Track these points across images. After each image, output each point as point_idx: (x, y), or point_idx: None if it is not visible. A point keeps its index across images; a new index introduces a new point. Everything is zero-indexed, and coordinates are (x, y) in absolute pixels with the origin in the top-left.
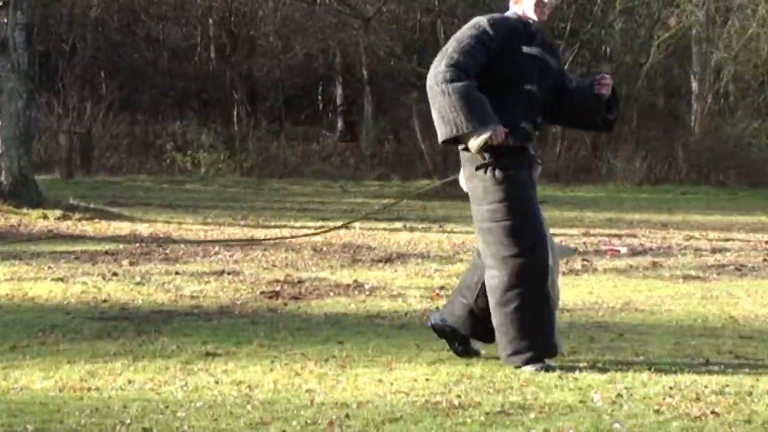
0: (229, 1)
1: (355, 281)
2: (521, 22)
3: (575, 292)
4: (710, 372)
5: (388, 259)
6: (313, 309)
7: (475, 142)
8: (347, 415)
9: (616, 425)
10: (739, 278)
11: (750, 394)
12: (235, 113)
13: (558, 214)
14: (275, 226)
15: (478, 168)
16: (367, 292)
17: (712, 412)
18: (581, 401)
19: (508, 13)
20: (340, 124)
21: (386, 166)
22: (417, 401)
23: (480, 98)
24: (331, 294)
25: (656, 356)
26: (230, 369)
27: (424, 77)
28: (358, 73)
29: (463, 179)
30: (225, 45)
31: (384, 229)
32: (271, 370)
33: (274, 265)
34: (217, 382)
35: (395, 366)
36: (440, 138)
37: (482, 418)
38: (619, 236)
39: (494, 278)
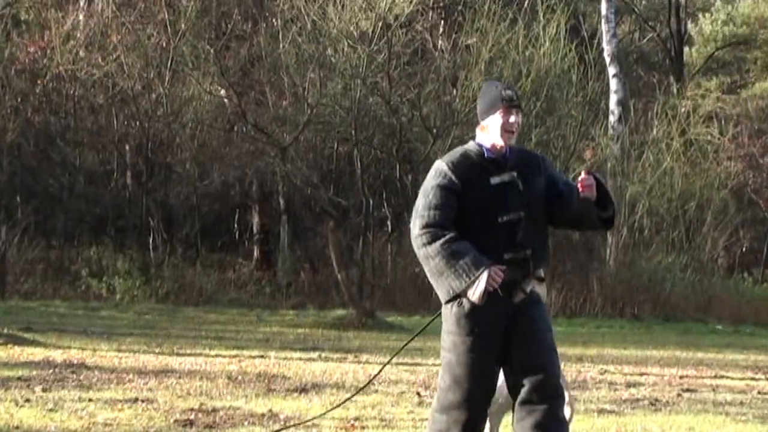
0: (146, 127)
1: (270, 411)
2: (480, 154)
3: None
4: None
5: (303, 389)
6: None
7: (474, 296)
8: None
9: None
10: (653, 413)
11: None
12: (150, 239)
13: None
14: (191, 354)
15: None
16: (282, 422)
17: None
18: None
19: (469, 145)
20: (256, 252)
21: (302, 295)
22: None
23: (461, 250)
24: (246, 423)
25: None
26: None
27: (340, 207)
28: (275, 202)
29: None
30: (141, 171)
31: (299, 358)
32: None
33: (188, 393)
34: None
35: None
36: (442, 301)
37: None
38: None
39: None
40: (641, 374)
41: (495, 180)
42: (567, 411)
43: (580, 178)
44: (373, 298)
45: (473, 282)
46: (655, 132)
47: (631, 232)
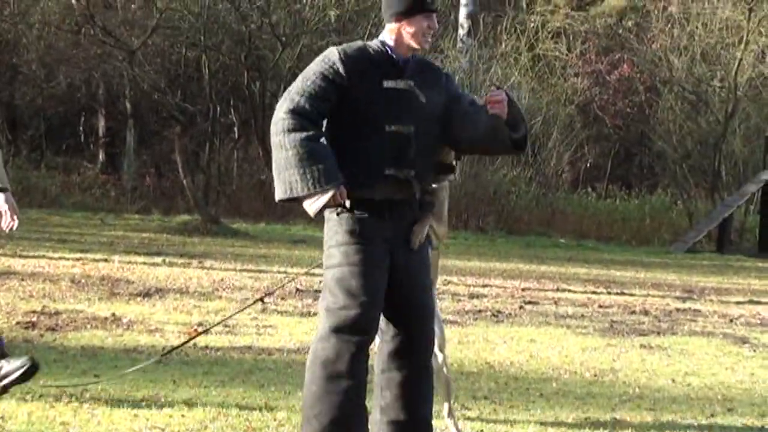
0: None
1: (113, 315)
2: (384, 52)
3: None
4: (466, 417)
5: (147, 294)
6: (69, 341)
7: (311, 207)
8: None
9: None
10: (495, 324)
11: None
12: None
13: (317, 254)
14: (33, 257)
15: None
16: (125, 326)
17: None
18: None
19: (371, 41)
20: (101, 155)
21: (147, 199)
22: None
23: (319, 153)
24: (89, 327)
25: None
26: None
27: (187, 112)
28: (122, 105)
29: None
30: None
31: (143, 263)
32: (26, 401)
33: (31, 296)
34: None
35: (151, 401)
36: (276, 196)
37: None
38: None
39: (317, 330)
40: (484, 286)
41: (388, 83)
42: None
43: (489, 94)
44: (218, 205)
45: (316, 194)
46: (503, 46)
47: None
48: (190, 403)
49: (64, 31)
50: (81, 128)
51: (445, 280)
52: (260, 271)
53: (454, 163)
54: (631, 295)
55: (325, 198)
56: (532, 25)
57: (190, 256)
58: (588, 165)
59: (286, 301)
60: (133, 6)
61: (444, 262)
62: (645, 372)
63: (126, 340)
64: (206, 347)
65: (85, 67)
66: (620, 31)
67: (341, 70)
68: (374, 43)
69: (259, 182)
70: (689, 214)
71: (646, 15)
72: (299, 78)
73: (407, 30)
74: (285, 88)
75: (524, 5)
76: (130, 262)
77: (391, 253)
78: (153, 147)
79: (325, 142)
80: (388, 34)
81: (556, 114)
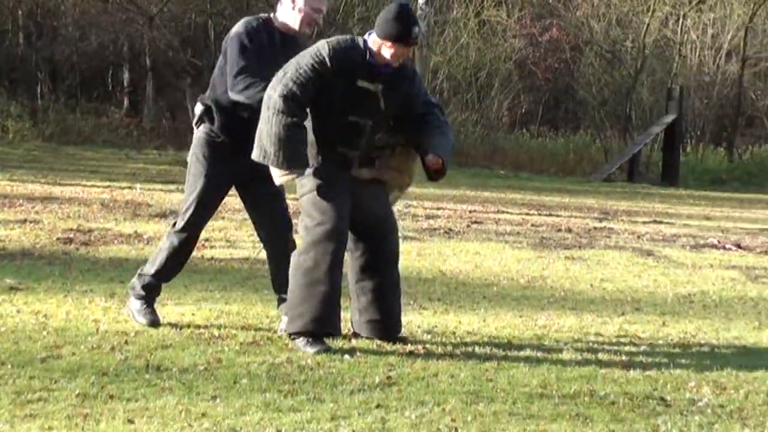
0: None
1: (136, 232)
2: (362, 55)
3: None
4: (422, 315)
5: (163, 215)
6: (100, 254)
7: (277, 179)
8: (126, 342)
9: (346, 356)
10: (447, 240)
11: (453, 333)
12: (38, 89)
13: None
14: (70, 185)
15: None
16: (146, 241)
17: (423, 347)
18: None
19: (359, 40)
20: (126, 102)
21: (163, 138)
22: (184, 332)
23: (297, 139)
24: (116, 242)
25: None
26: (30, 301)
27: (198, 67)
28: (142, 62)
29: None
30: (32, 32)
31: (160, 190)
32: (64, 303)
33: (68, 217)
34: (18, 312)
35: (167, 302)
36: (252, 155)
37: (237, 348)
38: None
39: (298, 246)
40: (438, 209)
41: (361, 84)
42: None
43: (428, 159)
44: None
45: (285, 170)
46: (454, 13)
47: (433, 93)
48: (198, 304)
49: (95, 0)
50: (109, 80)
51: (406, 203)
52: None
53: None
54: (558, 216)
55: (289, 177)
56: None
57: None
58: (523, 110)
59: None
60: None
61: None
62: (569, 279)
63: (147, 252)
64: (211, 258)
65: (112, 30)
66: (550, 1)
67: (329, 64)
68: (360, 43)
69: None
70: (605, 151)
71: None
72: (293, 64)
73: (387, 50)
74: None
75: None
76: (149, 189)
77: (353, 186)
78: (168, 95)
79: (303, 128)
80: (372, 40)
81: (497, 69)
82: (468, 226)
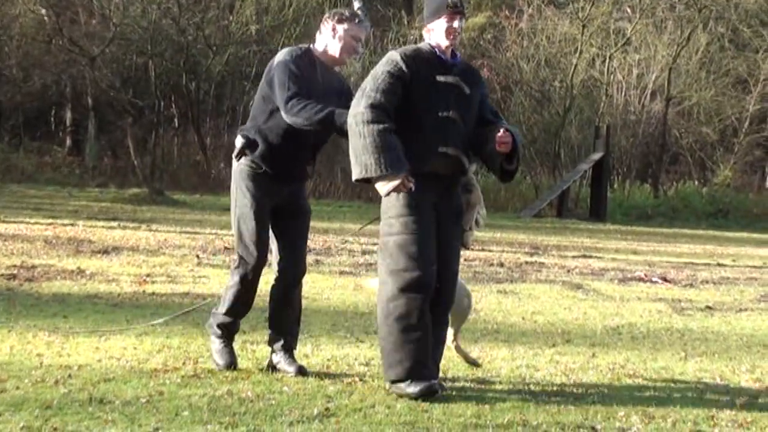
0: None
1: (78, 268)
2: (433, 53)
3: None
4: (359, 348)
5: (105, 251)
6: (43, 289)
7: (383, 189)
8: (70, 375)
9: (285, 388)
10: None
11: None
12: None
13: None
14: (14, 222)
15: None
16: (88, 277)
17: (360, 379)
18: (259, 368)
19: (422, 44)
20: (68, 141)
21: (105, 176)
22: (126, 365)
23: (394, 144)
24: (59, 278)
25: (317, 334)
26: None
27: (138, 107)
28: (84, 101)
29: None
30: None
31: (102, 226)
32: (8, 337)
33: (12, 253)
34: None
35: (109, 337)
36: (353, 176)
37: (179, 380)
38: None
39: (383, 291)
40: (374, 244)
41: (441, 78)
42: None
43: (498, 135)
44: (162, 180)
45: (388, 177)
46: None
47: None
48: (140, 338)
49: (38, 42)
50: (52, 119)
51: (343, 239)
52: (196, 233)
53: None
54: (490, 251)
55: (393, 184)
56: (411, 37)
57: (140, 221)
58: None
59: (217, 257)
60: (93, 21)
61: (342, 225)
62: (501, 311)
63: (89, 288)
64: (153, 293)
65: (55, 70)
66: (481, 43)
67: (404, 68)
68: (424, 45)
69: (195, 162)
70: (535, 187)
71: (502, 30)
72: (369, 79)
73: (434, 31)
74: (215, 88)
75: (406, 22)
76: (91, 226)
77: (438, 221)
78: (110, 134)
79: (396, 135)
80: (426, 36)
81: None
82: None
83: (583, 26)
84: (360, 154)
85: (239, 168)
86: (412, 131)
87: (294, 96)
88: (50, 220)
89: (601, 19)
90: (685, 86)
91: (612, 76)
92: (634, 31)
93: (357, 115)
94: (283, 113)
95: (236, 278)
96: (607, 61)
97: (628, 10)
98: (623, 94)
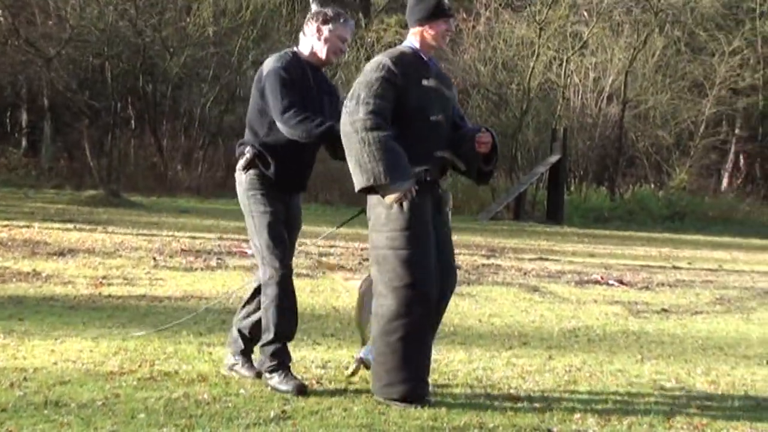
0: None
1: (34, 270)
2: (416, 56)
3: (211, 284)
4: (316, 350)
5: (61, 253)
6: None
7: (391, 196)
8: (25, 378)
9: (242, 391)
10: (341, 276)
11: (346, 368)
12: None
13: (198, 221)
14: None
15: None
16: (44, 279)
17: (317, 382)
18: (216, 371)
19: (402, 46)
20: (24, 142)
21: (61, 177)
22: (82, 368)
23: (398, 151)
24: (14, 280)
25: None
26: None
27: (94, 108)
28: (41, 102)
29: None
30: None
31: (58, 228)
32: None
33: None
34: None
35: (65, 339)
36: (357, 186)
37: (135, 383)
38: (246, 240)
39: (382, 306)
40: (331, 246)
41: (425, 82)
42: None
43: (479, 135)
44: (119, 182)
45: (397, 185)
46: (346, 57)
47: None
48: (96, 341)
49: None
50: (8, 120)
51: (300, 242)
52: (152, 235)
53: None
54: None
55: (403, 189)
56: (369, 40)
57: (96, 223)
58: None
59: (174, 259)
60: (50, 22)
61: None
62: (458, 314)
63: (44, 290)
64: (109, 296)
65: (11, 71)
66: None
67: (395, 71)
68: (405, 48)
69: (152, 164)
70: (492, 190)
71: (459, 32)
72: (361, 85)
73: (429, 33)
74: (172, 90)
75: (363, 24)
76: (48, 228)
77: (435, 226)
78: (66, 136)
79: (397, 141)
80: (412, 38)
81: None
82: (360, 263)
83: (540, 29)
84: (365, 162)
85: (248, 179)
86: (407, 137)
87: (289, 107)
88: (6, 222)
89: (558, 22)
90: (642, 90)
91: (569, 80)
92: (591, 35)
93: (357, 122)
94: (279, 124)
95: (273, 291)
96: (564, 64)
97: (585, 14)
98: (580, 97)
